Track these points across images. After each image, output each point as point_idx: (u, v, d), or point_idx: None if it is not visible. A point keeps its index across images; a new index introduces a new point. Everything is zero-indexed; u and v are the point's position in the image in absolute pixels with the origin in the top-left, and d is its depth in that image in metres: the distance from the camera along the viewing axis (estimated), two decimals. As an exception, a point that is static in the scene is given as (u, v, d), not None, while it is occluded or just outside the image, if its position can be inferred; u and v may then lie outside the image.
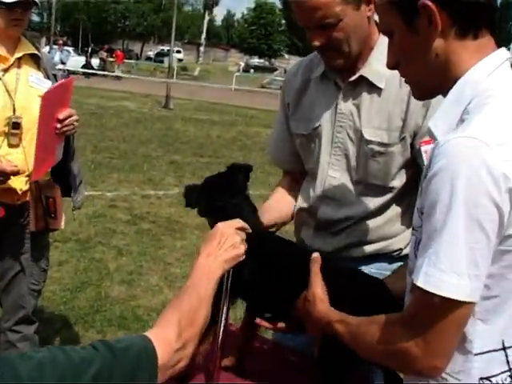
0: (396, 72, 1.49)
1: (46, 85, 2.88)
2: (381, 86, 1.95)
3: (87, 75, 31.43)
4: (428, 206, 1.22)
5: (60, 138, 2.86)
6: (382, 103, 1.95)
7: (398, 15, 1.34)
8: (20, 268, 2.96)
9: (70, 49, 39.23)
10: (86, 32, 64.37)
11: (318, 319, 1.56)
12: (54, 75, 3.04)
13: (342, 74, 1.99)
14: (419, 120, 1.91)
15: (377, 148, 1.95)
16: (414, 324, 1.25)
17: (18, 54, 2.90)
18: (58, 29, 66.39)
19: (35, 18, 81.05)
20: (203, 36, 70.93)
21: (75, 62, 34.27)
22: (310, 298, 1.59)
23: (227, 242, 1.54)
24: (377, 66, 1.93)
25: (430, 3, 1.28)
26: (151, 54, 64.73)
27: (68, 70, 20.90)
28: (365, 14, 1.88)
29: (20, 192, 2.85)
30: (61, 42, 19.87)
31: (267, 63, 65.92)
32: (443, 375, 1.28)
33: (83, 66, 34.69)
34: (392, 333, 1.30)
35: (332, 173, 2.01)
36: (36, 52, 2.97)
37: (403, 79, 1.79)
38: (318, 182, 2.05)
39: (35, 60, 2.98)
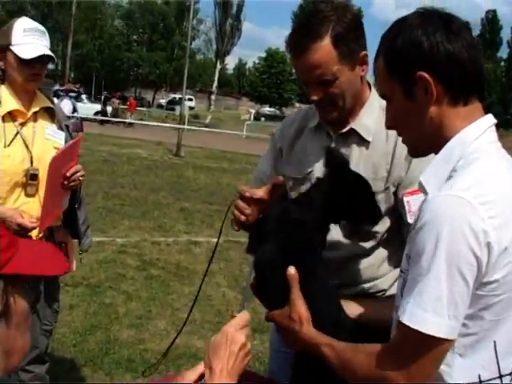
0: (382, 127, 1.71)
1: (61, 136, 3.13)
2: (369, 139, 2.15)
3: (102, 122, 31.95)
4: (415, 253, 1.39)
5: (66, 192, 3.09)
6: (370, 155, 2.14)
7: (396, 83, 1.52)
8: (33, 310, 3.12)
9: (84, 96, 39.94)
10: (99, 79, 65.40)
11: (304, 340, 1.66)
12: (67, 126, 3.26)
13: (335, 126, 2.19)
14: (402, 172, 2.09)
15: None
16: (398, 355, 1.41)
17: (34, 109, 3.10)
18: (72, 76, 67.61)
19: (49, 66, 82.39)
20: (215, 84, 71.90)
21: (88, 109, 34.87)
22: (296, 318, 1.68)
23: (237, 347, 1.54)
24: (366, 120, 2.16)
25: (426, 75, 1.46)
26: (163, 101, 65.63)
27: (81, 118, 21.19)
28: (359, 73, 2.09)
29: (35, 237, 3.03)
30: (69, 87, 20.04)
31: (278, 112, 66.56)
32: None
33: (97, 113, 35.25)
34: (378, 361, 1.45)
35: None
36: (51, 106, 3.19)
37: (389, 134, 2.10)
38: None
39: (50, 113, 3.19)
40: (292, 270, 1.72)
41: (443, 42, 1.46)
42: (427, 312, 1.34)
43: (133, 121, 35.26)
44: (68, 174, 2.98)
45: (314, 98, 2.07)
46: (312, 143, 2.25)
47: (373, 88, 2.21)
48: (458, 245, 1.31)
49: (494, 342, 1.40)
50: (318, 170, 2.17)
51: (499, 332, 1.40)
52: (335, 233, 2.09)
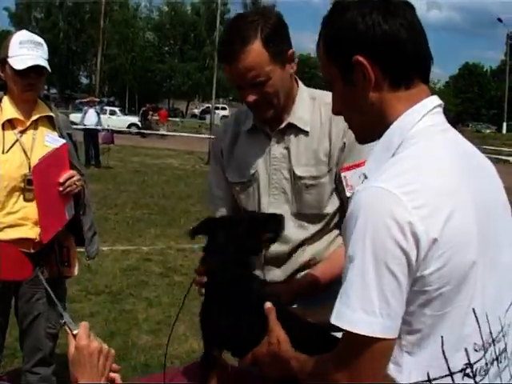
0: (315, 116, 1.82)
1: (61, 143, 3.17)
2: (306, 129, 2.24)
3: (142, 135, 32.41)
4: (346, 246, 1.33)
5: (67, 198, 3.16)
6: (309, 143, 2.24)
7: (335, 69, 1.45)
8: (37, 313, 3.20)
9: (117, 109, 40.42)
10: (132, 92, 66.14)
11: (283, 358, 1.63)
12: (69, 134, 3.32)
13: (271, 125, 2.26)
14: (340, 152, 2.21)
15: (309, 182, 2.23)
16: (340, 359, 1.35)
17: (34, 117, 3.21)
18: (106, 89, 68.52)
19: (84, 81, 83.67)
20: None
21: (122, 121, 35.33)
22: (274, 340, 1.66)
23: (95, 358, 1.59)
24: (300, 113, 2.24)
25: (362, 59, 1.38)
26: (196, 111, 66.07)
27: (113, 130, 21.49)
28: (289, 70, 2.17)
29: (35, 241, 3.12)
30: (91, 99, 20.35)
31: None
32: None
33: (130, 125, 35.68)
34: (324, 365, 1.41)
35: (272, 211, 2.23)
36: (51, 114, 3.28)
37: (323, 120, 2.19)
38: None
39: (50, 121, 3.29)
40: (268, 304, 1.75)
41: (379, 23, 1.37)
42: (356, 312, 1.27)
43: (164, 132, 35.53)
44: (61, 181, 3.05)
45: (250, 100, 2.12)
46: (250, 146, 2.32)
47: (300, 82, 2.30)
48: (382, 238, 1.24)
49: (442, 337, 1.32)
50: (262, 169, 2.27)
51: (445, 328, 1.32)
52: (288, 224, 2.14)
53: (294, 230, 2.25)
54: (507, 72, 58.36)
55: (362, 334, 1.26)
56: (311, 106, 2.24)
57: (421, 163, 1.33)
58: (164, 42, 74.67)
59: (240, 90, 2.15)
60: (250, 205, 2.33)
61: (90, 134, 18.23)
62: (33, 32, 3.27)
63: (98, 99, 21.47)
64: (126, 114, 42.61)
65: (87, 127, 18.56)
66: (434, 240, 1.25)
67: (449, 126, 1.46)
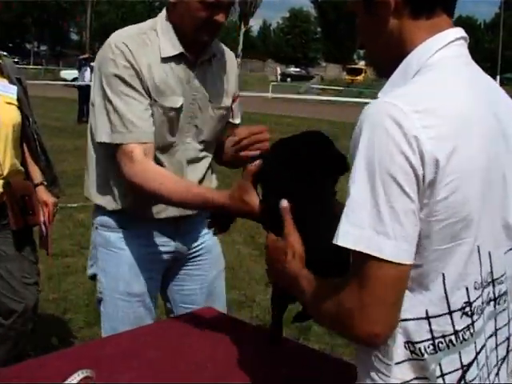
0: (222, 52, 2.20)
1: (12, 90, 3.03)
2: (220, 62, 2.35)
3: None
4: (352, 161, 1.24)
5: None
6: (223, 75, 2.36)
7: None
8: (8, 265, 3.09)
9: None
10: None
11: (289, 274, 1.48)
12: (18, 79, 3.14)
13: (195, 55, 2.25)
14: (235, 85, 2.44)
15: (224, 112, 2.37)
16: (349, 286, 1.23)
17: None
18: (97, 46, 67.72)
19: (74, 37, 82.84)
20: (240, 47, 71.27)
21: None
22: (289, 251, 1.50)
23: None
24: (218, 45, 2.36)
25: None
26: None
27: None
28: None
29: None
30: (89, 56, 20.06)
31: (304, 72, 66.00)
32: None
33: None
34: (338, 296, 1.26)
35: (187, 139, 2.29)
36: None
37: (226, 56, 2.39)
38: (180, 151, 2.29)
39: None
40: (284, 202, 1.59)
41: None
42: (364, 230, 1.16)
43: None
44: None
45: (221, 20, 2.13)
46: (174, 74, 2.22)
47: None
48: (390, 152, 1.16)
49: (443, 274, 1.24)
50: (185, 99, 2.24)
51: (448, 265, 1.24)
52: (197, 151, 2.33)
53: (201, 155, 2.38)
54: (501, 25, 57.86)
55: (373, 254, 1.15)
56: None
57: (436, 88, 1.25)
58: (155, -4, 73.76)
59: (210, 8, 2.09)
60: (167, 136, 2.24)
61: (84, 91, 18.04)
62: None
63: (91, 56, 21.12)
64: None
65: (80, 84, 18.36)
66: (440, 164, 1.17)
67: (472, 61, 1.38)
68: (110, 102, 2.13)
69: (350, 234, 1.18)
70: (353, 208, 1.18)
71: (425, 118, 1.18)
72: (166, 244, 2.37)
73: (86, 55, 20.93)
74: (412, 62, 1.32)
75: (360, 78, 50.94)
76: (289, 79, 59.18)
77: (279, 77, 57.34)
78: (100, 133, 2.17)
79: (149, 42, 2.19)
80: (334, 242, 1.19)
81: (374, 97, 1.36)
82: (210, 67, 2.30)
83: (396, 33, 1.35)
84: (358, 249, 1.17)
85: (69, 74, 36.11)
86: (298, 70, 67.75)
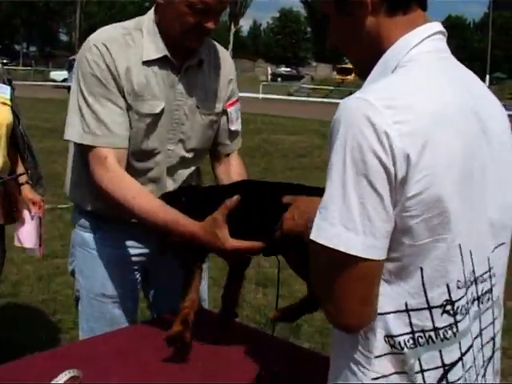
0: (216, 55, 2.09)
1: (5, 90, 3.05)
2: (211, 67, 2.26)
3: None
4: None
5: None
6: (211, 80, 2.27)
7: None
8: None
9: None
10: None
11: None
12: (9, 80, 3.15)
13: (181, 59, 2.17)
14: (228, 91, 2.34)
15: (214, 118, 2.29)
16: (321, 281, 1.27)
17: None
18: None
19: (64, 38, 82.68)
20: (230, 47, 71.27)
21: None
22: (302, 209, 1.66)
23: None
24: (211, 48, 2.29)
25: None
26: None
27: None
28: None
29: None
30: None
31: (294, 71, 66.00)
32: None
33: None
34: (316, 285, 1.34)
35: (170, 146, 2.21)
36: None
37: (221, 59, 2.30)
38: (160, 157, 2.22)
39: None
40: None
41: None
42: (335, 226, 1.18)
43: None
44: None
45: (211, 26, 2.05)
46: (157, 78, 2.14)
47: None
48: (361, 150, 1.16)
49: (421, 269, 1.24)
50: (167, 104, 2.16)
51: (426, 260, 1.24)
52: (183, 159, 2.26)
53: (188, 164, 2.33)
54: (490, 25, 58.11)
55: (341, 250, 1.17)
56: (207, 42, 2.27)
57: (410, 84, 1.25)
58: (144, -3, 73.62)
59: (199, 14, 2.01)
60: (146, 142, 2.18)
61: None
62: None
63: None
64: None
65: (70, 85, 18.22)
66: (411, 161, 1.17)
67: (451, 55, 1.37)
68: (86, 101, 2.08)
69: (322, 230, 1.19)
70: (326, 205, 1.20)
71: (397, 113, 1.17)
72: (141, 246, 2.32)
73: (76, 56, 20.94)
74: (390, 59, 1.31)
75: (351, 77, 50.97)
76: (279, 79, 59.28)
77: (270, 77, 57.37)
78: (71, 131, 2.11)
79: (132, 44, 2.11)
80: (310, 237, 1.21)
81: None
82: (199, 71, 2.22)
83: (373, 31, 1.34)
84: (330, 245, 1.18)
85: (58, 74, 36.02)
86: (288, 69, 67.78)
